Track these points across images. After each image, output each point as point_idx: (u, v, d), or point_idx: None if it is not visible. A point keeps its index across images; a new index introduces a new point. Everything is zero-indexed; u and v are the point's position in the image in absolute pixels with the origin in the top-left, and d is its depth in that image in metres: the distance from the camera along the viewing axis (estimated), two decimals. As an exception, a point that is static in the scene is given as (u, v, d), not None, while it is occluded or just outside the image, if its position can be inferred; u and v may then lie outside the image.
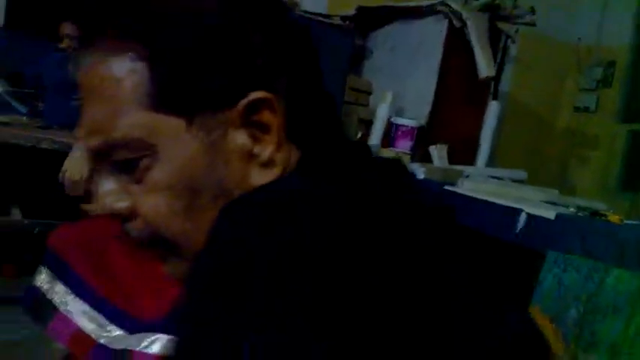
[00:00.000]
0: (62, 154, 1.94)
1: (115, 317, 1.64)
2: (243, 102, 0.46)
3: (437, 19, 2.94)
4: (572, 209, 2.00)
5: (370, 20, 3.21)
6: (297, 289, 0.34)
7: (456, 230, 0.48)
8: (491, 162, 3.03)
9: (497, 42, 3.07)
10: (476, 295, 0.42)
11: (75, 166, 1.88)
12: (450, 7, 2.87)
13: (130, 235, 0.50)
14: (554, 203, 2.14)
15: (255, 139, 0.48)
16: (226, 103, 0.46)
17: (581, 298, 1.68)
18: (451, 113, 2.92)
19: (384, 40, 3.22)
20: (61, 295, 1.68)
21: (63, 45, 2.71)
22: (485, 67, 2.84)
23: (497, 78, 3.23)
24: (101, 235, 1.76)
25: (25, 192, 2.35)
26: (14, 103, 2.64)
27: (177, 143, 0.46)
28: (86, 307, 1.67)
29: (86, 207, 1.89)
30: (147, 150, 0.46)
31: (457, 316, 0.39)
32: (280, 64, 0.48)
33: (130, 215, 0.49)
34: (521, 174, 3.17)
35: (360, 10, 3.18)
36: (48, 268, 1.71)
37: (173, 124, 0.46)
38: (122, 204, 0.49)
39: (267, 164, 0.48)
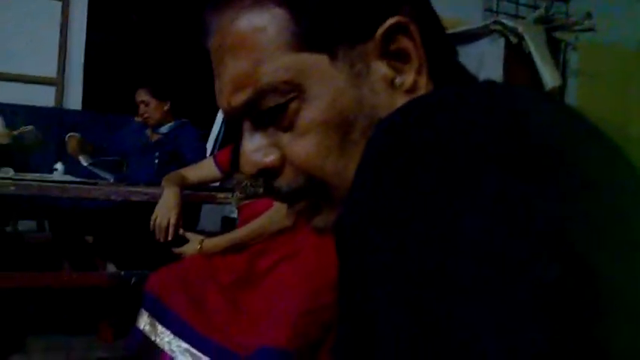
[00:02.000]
0: (151, 204, 2.03)
1: (216, 354, 1.66)
2: (380, 30, 0.47)
3: (493, 39, 2.95)
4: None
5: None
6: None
7: None
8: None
9: (557, 53, 3.03)
10: None
11: (163, 213, 1.96)
12: (504, 24, 2.88)
13: (280, 192, 0.50)
14: None
15: (396, 69, 0.48)
16: (364, 33, 0.47)
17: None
18: (521, 128, 2.87)
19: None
20: (163, 335, 1.72)
21: (139, 113, 2.88)
22: (550, 78, 2.80)
23: (563, 89, 3.17)
24: (195, 275, 1.81)
25: (118, 247, 2.46)
26: (101, 173, 2.80)
27: (324, 79, 0.46)
28: (188, 346, 1.70)
29: (177, 250, 1.96)
30: (295, 91, 0.46)
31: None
32: None
33: (280, 168, 0.49)
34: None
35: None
36: (148, 310, 1.76)
37: (317, 61, 0.46)
38: (271, 157, 0.49)
39: (412, 90, 0.48)
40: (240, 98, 0.48)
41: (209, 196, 2.21)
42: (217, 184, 2.28)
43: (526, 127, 0.36)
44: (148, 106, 2.80)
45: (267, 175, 0.50)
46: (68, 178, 2.30)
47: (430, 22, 0.51)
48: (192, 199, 2.13)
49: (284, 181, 0.49)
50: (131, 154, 2.90)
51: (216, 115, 3.25)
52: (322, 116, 0.46)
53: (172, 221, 1.96)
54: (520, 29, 2.81)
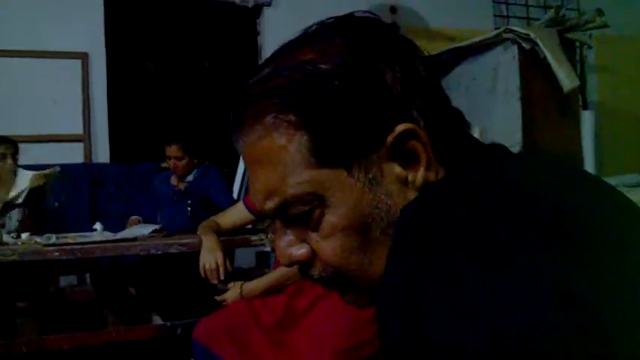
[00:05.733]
0: (190, 254, 2.08)
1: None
2: (390, 138, 0.51)
3: (506, 47, 2.94)
4: None
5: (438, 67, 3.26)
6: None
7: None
8: (599, 172, 2.90)
9: (572, 53, 3.01)
10: None
11: (209, 257, 2.02)
12: (515, 31, 2.87)
13: (314, 278, 0.56)
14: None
15: (407, 167, 0.52)
16: (376, 143, 0.51)
17: None
18: (544, 133, 2.85)
19: (458, 83, 3.24)
20: (215, 384, 1.75)
21: (167, 164, 2.96)
22: (567, 80, 2.78)
23: (582, 88, 3.14)
24: (239, 320, 1.84)
25: (161, 298, 2.50)
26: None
27: (343, 189, 0.51)
28: (240, 393, 1.72)
29: (220, 298, 1.99)
30: (317, 201, 0.51)
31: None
32: (413, 90, 0.53)
33: (311, 260, 0.55)
34: (636, 177, 3.00)
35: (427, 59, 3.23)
36: (198, 360, 1.80)
37: (335, 174, 0.51)
38: (302, 251, 0.55)
39: (423, 186, 0.52)
40: (270, 205, 0.54)
41: (244, 239, 2.26)
42: (250, 226, 2.32)
43: (528, 200, 0.41)
44: (181, 161, 2.88)
45: (301, 265, 0.56)
46: (108, 234, 2.37)
47: (441, 108, 0.55)
48: (228, 245, 2.17)
49: (315, 271, 0.55)
50: (163, 204, 2.98)
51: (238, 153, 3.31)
52: (344, 222, 0.52)
53: (220, 261, 2.04)
54: (532, 35, 2.80)
